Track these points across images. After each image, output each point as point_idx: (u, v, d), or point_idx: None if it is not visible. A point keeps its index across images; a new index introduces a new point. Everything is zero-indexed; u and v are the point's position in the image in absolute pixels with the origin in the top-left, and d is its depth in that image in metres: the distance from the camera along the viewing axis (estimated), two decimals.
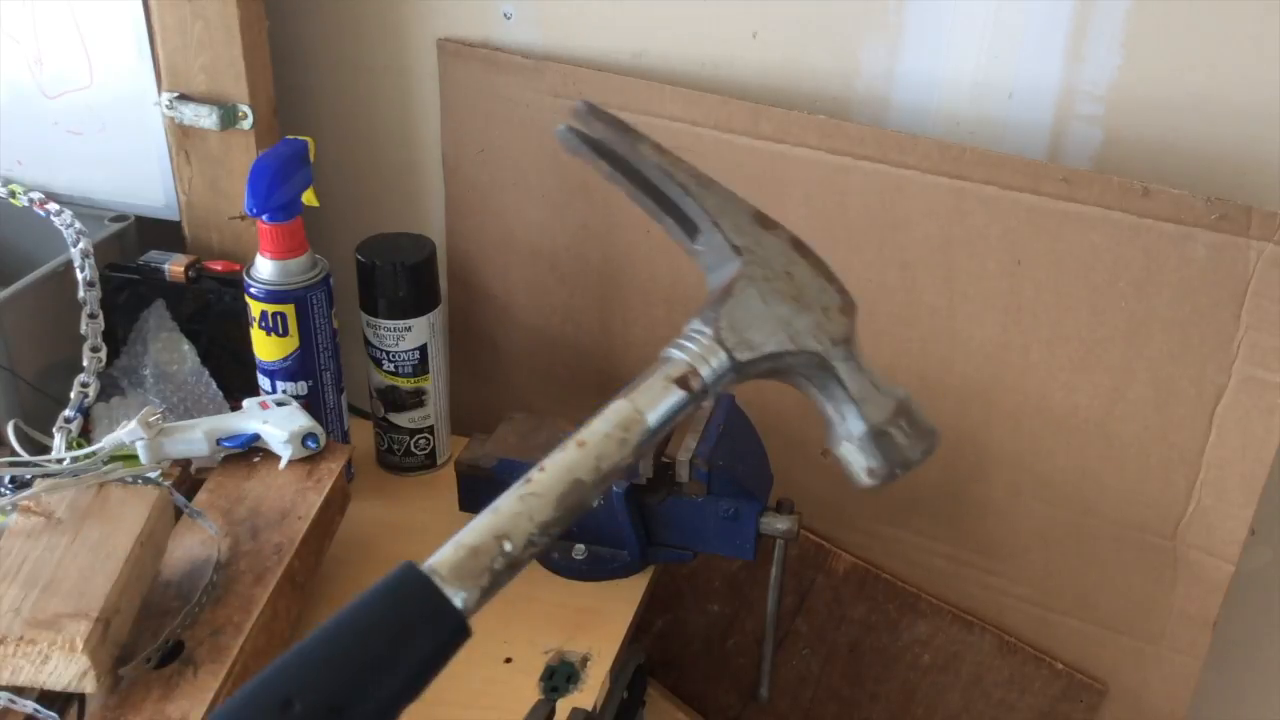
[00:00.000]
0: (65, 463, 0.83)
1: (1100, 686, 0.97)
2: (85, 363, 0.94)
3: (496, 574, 0.50)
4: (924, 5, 0.89)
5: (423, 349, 0.96)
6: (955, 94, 0.91)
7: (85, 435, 0.93)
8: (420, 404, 0.98)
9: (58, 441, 0.90)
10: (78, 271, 0.96)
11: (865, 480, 0.57)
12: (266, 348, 0.91)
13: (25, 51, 1.05)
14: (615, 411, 0.54)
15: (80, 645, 0.66)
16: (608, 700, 0.81)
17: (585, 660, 0.81)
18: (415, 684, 0.48)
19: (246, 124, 1.01)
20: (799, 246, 0.61)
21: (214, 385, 1.00)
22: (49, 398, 0.95)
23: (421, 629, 0.48)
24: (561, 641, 0.83)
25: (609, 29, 0.99)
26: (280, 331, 0.90)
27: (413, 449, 0.99)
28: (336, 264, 0.93)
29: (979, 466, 0.96)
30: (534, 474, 0.52)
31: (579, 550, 0.89)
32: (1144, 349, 0.86)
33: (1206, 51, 0.83)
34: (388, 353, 0.95)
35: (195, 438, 0.86)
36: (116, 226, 1.05)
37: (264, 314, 0.90)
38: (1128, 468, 0.90)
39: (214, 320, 1.01)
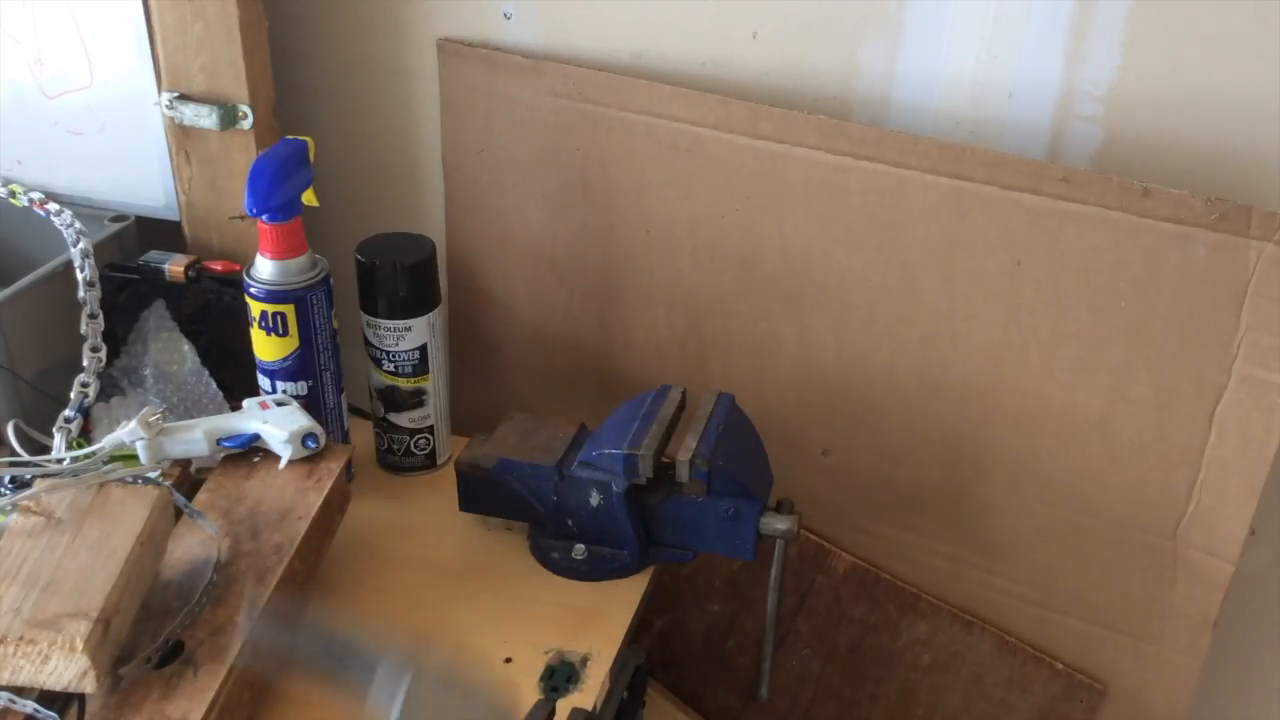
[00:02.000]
0: (65, 463, 0.83)
1: (1100, 686, 0.97)
2: (85, 363, 0.94)
3: None
4: (924, 5, 0.89)
5: (423, 349, 0.96)
6: (955, 94, 0.91)
7: (85, 435, 0.93)
8: (420, 404, 0.98)
9: (58, 441, 0.90)
10: (78, 271, 0.95)
11: None
12: (266, 348, 0.91)
13: (25, 51, 1.05)
14: None
15: (80, 645, 0.66)
16: (608, 700, 0.81)
17: (585, 660, 0.81)
18: None
19: (246, 124, 1.01)
20: None
21: (214, 385, 1.00)
22: (49, 398, 0.95)
23: None
24: (561, 641, 0.83)
25: (609, 29, 0.99)
26: (280, 331, 0.90)
27: (413, 449, 0.99)
28: (336, 264, 0.93)
29: (979, 466, 0.96)
30: None
31: (579, 550, 0.89)
32: (1144, 349, 0.86)
33: (1206, 51, 0.83)
34: (388, 353, 0.95)
35: (195, 438, 0.86)
36: (116, 226, 1.05)
37: (264, 314, 0.89)
38: (1128, 468, 0.90)
39: (214, 320, 1.01)
